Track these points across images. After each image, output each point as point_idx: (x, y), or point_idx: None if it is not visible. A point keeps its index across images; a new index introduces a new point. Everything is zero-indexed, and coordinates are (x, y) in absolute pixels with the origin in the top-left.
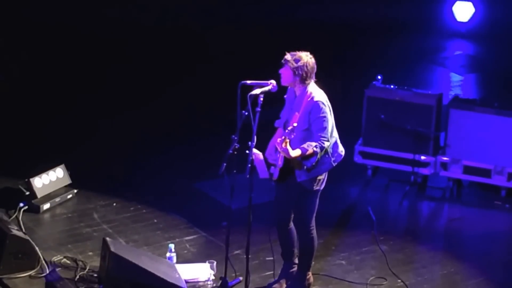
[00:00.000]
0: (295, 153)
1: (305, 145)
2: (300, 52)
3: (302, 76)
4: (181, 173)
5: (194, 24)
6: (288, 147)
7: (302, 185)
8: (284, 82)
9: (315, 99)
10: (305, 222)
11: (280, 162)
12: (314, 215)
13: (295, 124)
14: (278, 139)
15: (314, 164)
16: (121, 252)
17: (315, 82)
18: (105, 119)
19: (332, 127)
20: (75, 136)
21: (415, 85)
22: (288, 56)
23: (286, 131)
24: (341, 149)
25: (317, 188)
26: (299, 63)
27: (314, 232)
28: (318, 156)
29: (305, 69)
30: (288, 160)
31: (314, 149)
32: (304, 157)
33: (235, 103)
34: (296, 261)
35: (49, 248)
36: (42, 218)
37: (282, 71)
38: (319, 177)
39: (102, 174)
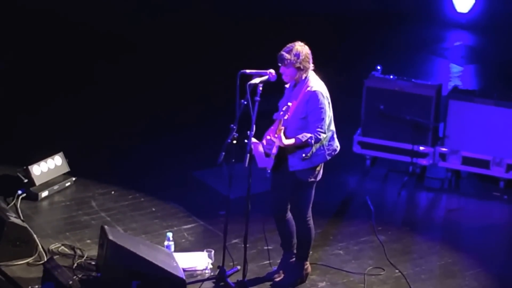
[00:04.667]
0: (288, 141)
1: (300, 136)
2: (293, 44)
3: (305, 68)
4: (180, 162)
5: (192, 14)
6: (282, 135)
7: (297, 176)
8: (288, 79)
9: (314, 88)
10: (301, 213)
11: (274, 151)
12: (310, 205)
13: (289, 104)
14: (272, 126)
15: (308, 154)
16: (119, 241)
17: (315, 71)
18: (104, 107)
19: (330, 120)
20: (74, 124)
21: (415, 75)
22: (287, 55)
23: (281, 113)
24: (337, 144)
25: (312, 179)
26: (301, 57)
27: (311, 222)
28: (313, 147)
29: (307, 60)
30: (283, 149)
31: (309, 140)
32: (298, 146)
33: (234, 92)
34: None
35: (47, 235)
36: (40, 206)
37: (283, 70)
38: (314, 169)
39: (101, 162)
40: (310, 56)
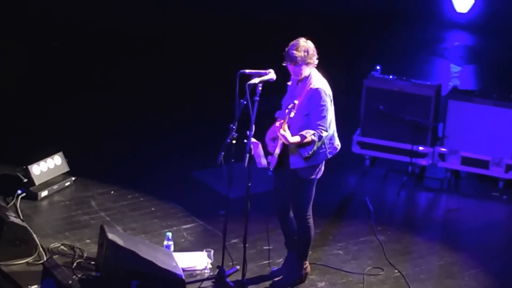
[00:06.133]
0: (294, 139)
1: (303, 132)
2: (297, 42)
3: (313, 63)
4: (179, 161)
5: (192, 15)
6: (287, 132)
7: (298, 174)
8: (298, 77)
9: (316, 86)
10: (301, 211)
11: (278, 150)
12: (311, 204)
13: (296, 102)
14: (277, 123)
15: (310, 153)
16: (118, 240)
17: (318, 70)
18: (104, 107)
19: (331, 118)
20: (74, 124)
21: (414, 75)
22: (298, 53)
23: (287, 110)
24: (337, 143)
25: (313, 177)
26: (310, 53)
27: (311, 221)
28: (316, 145)
29: (314, 54)
30: (285, 147)
31: (312, 137)
32: (301, 145)
33: (234, 92)
34: None
35: (47, 235)
36: (40, 205)
37: (293, 68)
38: (316, 167)
39: (100, 162)
40: (315, 50)
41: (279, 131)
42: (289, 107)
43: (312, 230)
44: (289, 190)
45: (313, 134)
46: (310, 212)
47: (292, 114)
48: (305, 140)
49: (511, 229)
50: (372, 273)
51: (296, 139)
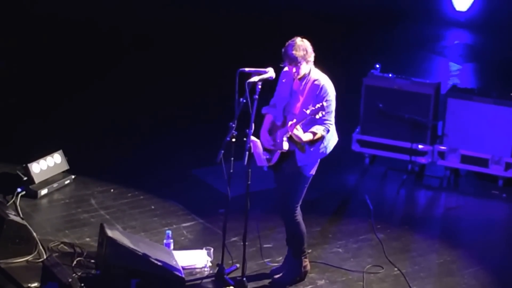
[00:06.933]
0: (306, 137)
1: (313, 129)
2: (293, 42)
3: (312, 60)
4: (179, 159)
5: (189, 13)
6: (300, 131)
7: (300, 171)
8: (298, 75)
9: (322, 82)
10: (291, 208)
11: (287, 146)
12: (301, 201)
13: (325, 104)
14: (290, 122)
15: (321, 146)
16: (118, 238)
17: (318, 68)
18: (104, 106)
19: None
20: (73, 122)
21: (414, 74)
22: (297, 53)
23: (308, 111)
24: (336, 137)
25: (312, 173)
26: (309, 50)
27: (299, 217)
28: (324, 142)
29: (312, 51)
30: (291, 144)
31: (322, 132)
32: (311, 141)
33: (233, 90)
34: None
35: (47, 233)
36: (40, 204)
37: (295, 67)
38: (316, 162)
39: (100, 160)
40: (311, 47)
41: (292, 131)
42: (312, 108)
43: (302, 226)
44: (284, 186)
45: (323, 130)
46: (298, 210)
47: (318, 115)
48: (316, 137)
49: (510, 227)
50: (372, 271)
51: (309, 136)
